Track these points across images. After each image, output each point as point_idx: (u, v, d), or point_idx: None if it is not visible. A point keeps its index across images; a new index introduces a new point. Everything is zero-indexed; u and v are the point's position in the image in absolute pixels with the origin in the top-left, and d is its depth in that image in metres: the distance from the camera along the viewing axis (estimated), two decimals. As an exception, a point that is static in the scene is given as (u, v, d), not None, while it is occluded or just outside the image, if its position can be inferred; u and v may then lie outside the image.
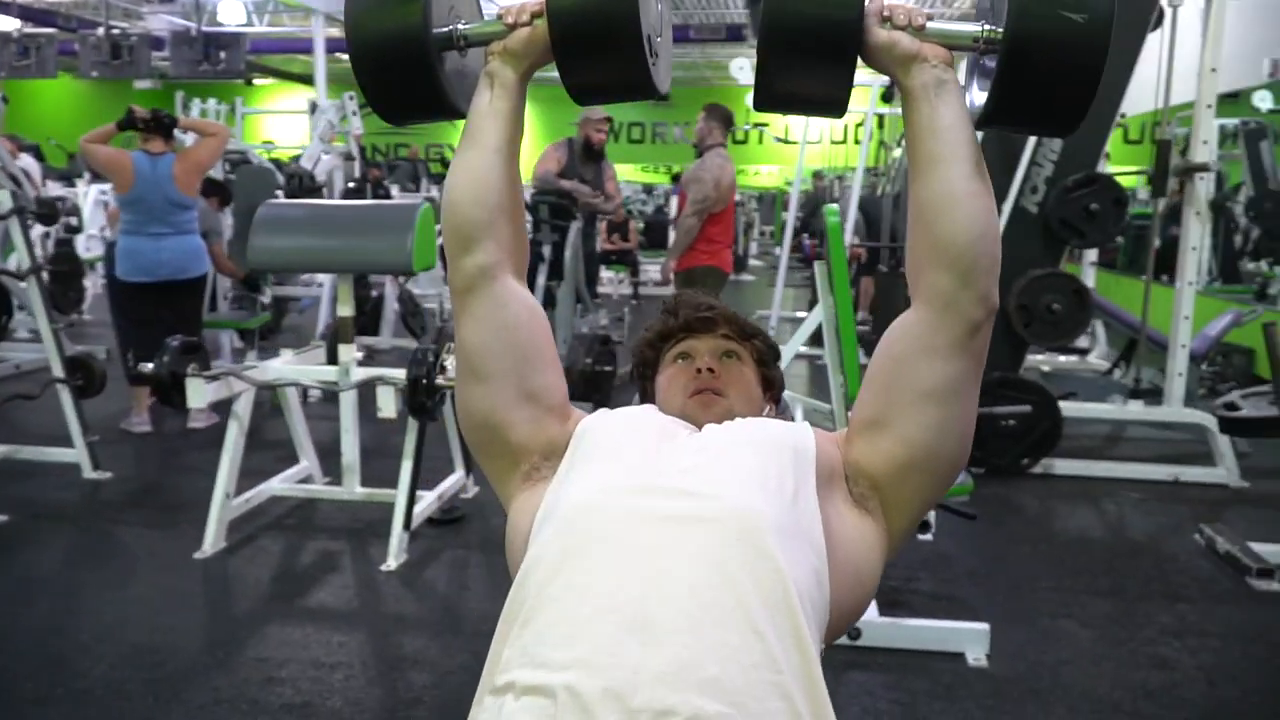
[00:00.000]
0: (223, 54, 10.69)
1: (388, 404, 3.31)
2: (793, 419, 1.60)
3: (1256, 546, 3.36)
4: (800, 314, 8.33)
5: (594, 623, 0.95)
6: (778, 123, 15.26)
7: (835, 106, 1.11)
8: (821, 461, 1.14)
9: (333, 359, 3.70)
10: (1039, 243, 4.36)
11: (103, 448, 4.24)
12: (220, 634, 2.83)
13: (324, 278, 6.17)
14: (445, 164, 20.49)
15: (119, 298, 4.76)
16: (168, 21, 13.90)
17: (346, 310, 3.57)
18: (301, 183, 5.81)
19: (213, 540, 3.35)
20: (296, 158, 6.91)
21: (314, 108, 7.27)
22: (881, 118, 8.44)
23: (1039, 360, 6.20)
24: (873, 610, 2.84)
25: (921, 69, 1.08)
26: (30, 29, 12.91)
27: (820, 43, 1.05)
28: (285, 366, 3.61)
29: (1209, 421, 4.32)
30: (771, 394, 1.40)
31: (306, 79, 16.40)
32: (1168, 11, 4.52)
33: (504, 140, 1.17)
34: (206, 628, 2.89)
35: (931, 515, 3.51)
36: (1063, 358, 6.32)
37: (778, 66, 1.07)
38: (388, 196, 10.19)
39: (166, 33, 11.72)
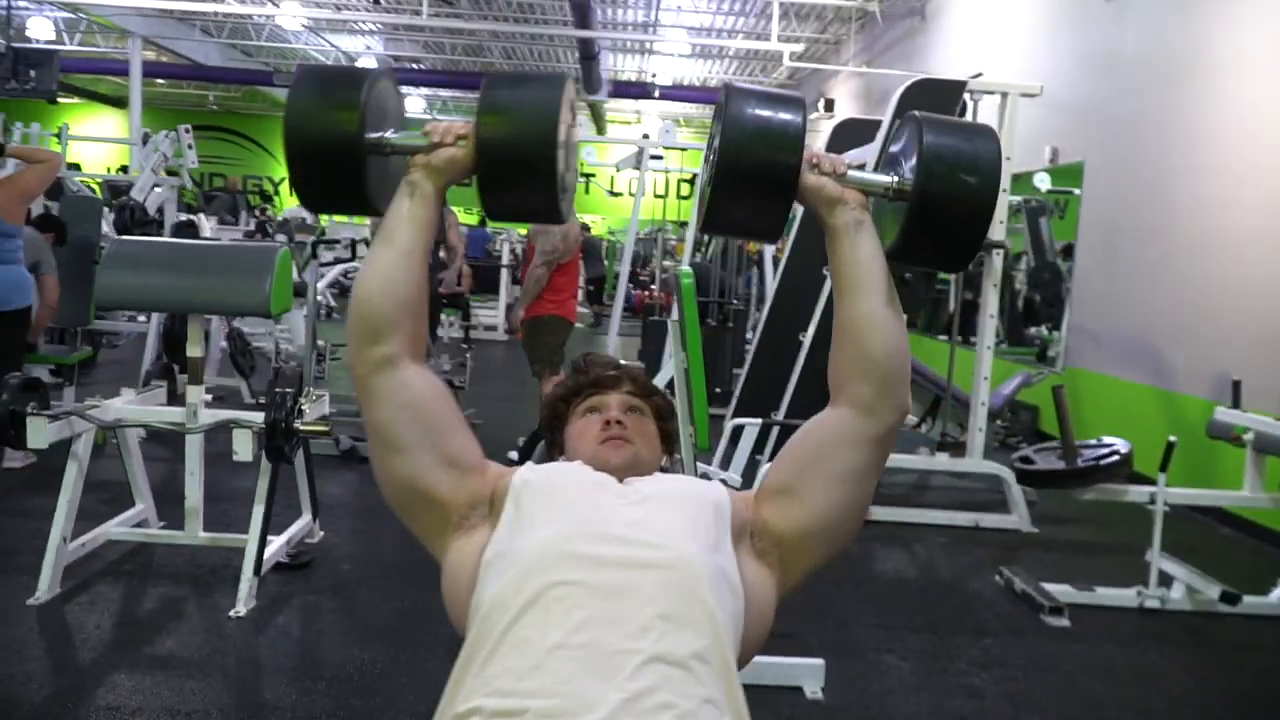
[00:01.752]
0: (33, 72, 10.11)
1: (244, 448, 3.28)
2: (681, 468, 1.77)
3: (1048, 586, 3.78)
4: (635, 363, 8.58)
5: (557, 658, 1.08)
6: (605, 175, 15.71)
7: (772, 235, 1.31)
8: (735, 519, 1.31)
9: (172, 399, 3.63)
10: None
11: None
12: (64, 683, 2.73)
13: (153, 319, 5.95)
14: (264, 195, 19.87)
15: None
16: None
17: (196, 350, 3.51)
18: (134, 215, 5.60)
19: (48, 586, 3.21)
20: (119, 185, 6.64)
21: (146, 138, 7.00)
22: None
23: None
24: (720, 647, 3.05)
25: (843, 210, 1.28)
26: None
27: (766, 183, 1.24)
28: (129, 407, 3.51)
29: (1006, 474, 4.80)
30: (667, 446, 1.58)
31: (116, 100, 15.63)
32: (969, 105, 5.07)
33: (417, 245, 1.31)
34: (49, 677, 2.77)
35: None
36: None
37: (726, 200, 1.25)
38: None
39: (-32, 45, 10.97)
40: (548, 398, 1.61)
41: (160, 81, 18.24)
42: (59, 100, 18.72)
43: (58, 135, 8.68)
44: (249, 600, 3.25)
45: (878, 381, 1.28)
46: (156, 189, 6.31)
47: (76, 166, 10.02)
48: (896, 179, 1.29)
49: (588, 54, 12.79)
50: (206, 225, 9.99)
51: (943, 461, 5.18)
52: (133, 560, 3.65)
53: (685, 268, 3.57)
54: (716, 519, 1.29)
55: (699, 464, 3.61)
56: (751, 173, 1.24)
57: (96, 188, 8.60)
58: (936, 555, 4.45)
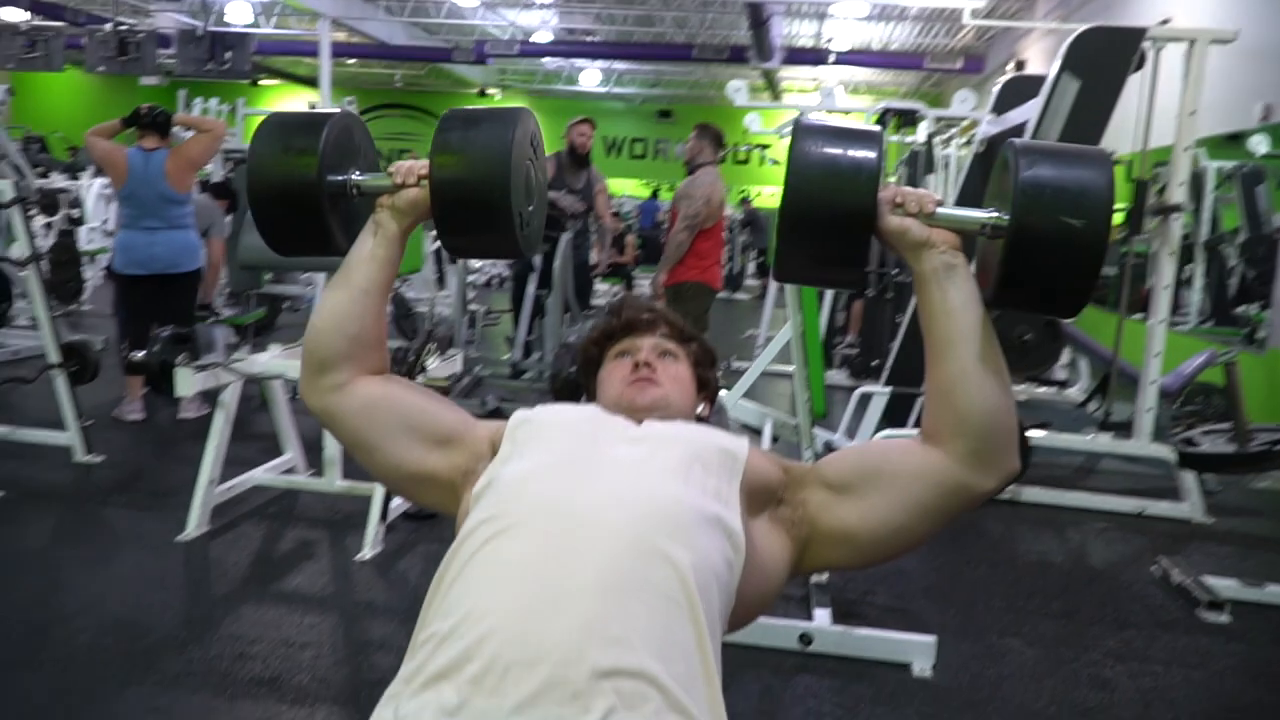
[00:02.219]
0: (229, 54, 10.80)
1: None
2: (727, 420, 1.71)
3: (1211, 580, 3.47)
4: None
5: (512, 587, 1.06)
6: (777, 147, 15.43)
7: (850, 283, 1.21)
8: (753, 470, 1.25)
9: None
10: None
11: (96, 433, 4.34)
12: (197, 612, 2.93)
13: (319, 277, 6.28)
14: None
15: (118, 289, 4.88)
16: (174, 19, 14.04)
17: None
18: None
19: (195, 524, 3.46)
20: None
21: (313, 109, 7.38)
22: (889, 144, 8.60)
23: (1016, 390, 6.32)
24: (825, 618, 2.96)
25: (930, 255, 1.18)
26: (38, 21, 13.05)
27: (837, 230, 1.14)
28: (272, 360, 3.72)
29: (1173, 457, 4.43)
30: (706, 394, 1.52)
31: (311, 81, 16.52)
32: (1150, 54, 4.66)
33: (376, 283, 1.31)
34: (184, 605, 2.99)
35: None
36: (1041, 389, 6.43)
37: (794, 248, 1.17)
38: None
39: (174, 30, 11.87)
40: (581, 342, 1.58)
41: (351, 61, 19.21)
42: (260, 82, 20.19)
43: (232, 110, 9.21)
44: (375, 545, 3.39)
45: (975, 440, 1.17)
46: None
47: None
48: (995, 215, 1.16)
49: (758, 20, 12.56)
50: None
51: (1104, 443, 4.83)
52: (277, 504, 3.88)
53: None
54: (721, 466, 1.22)
55: (817, 430, 3.50)
56: (821, 219, 1.14)
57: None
58: (1090, 541, 4.16)
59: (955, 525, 4.00)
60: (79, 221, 8.09)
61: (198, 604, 3.02)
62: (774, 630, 2.88)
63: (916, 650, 2.83)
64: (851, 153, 1.15)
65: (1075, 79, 4.21)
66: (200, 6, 12.63)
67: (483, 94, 21.24)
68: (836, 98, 8.31)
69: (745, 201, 15.84)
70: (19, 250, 4.27)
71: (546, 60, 19.10)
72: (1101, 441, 4.83)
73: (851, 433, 4.43)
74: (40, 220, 8.65)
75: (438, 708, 1.00)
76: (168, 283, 4.75)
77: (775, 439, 3.46)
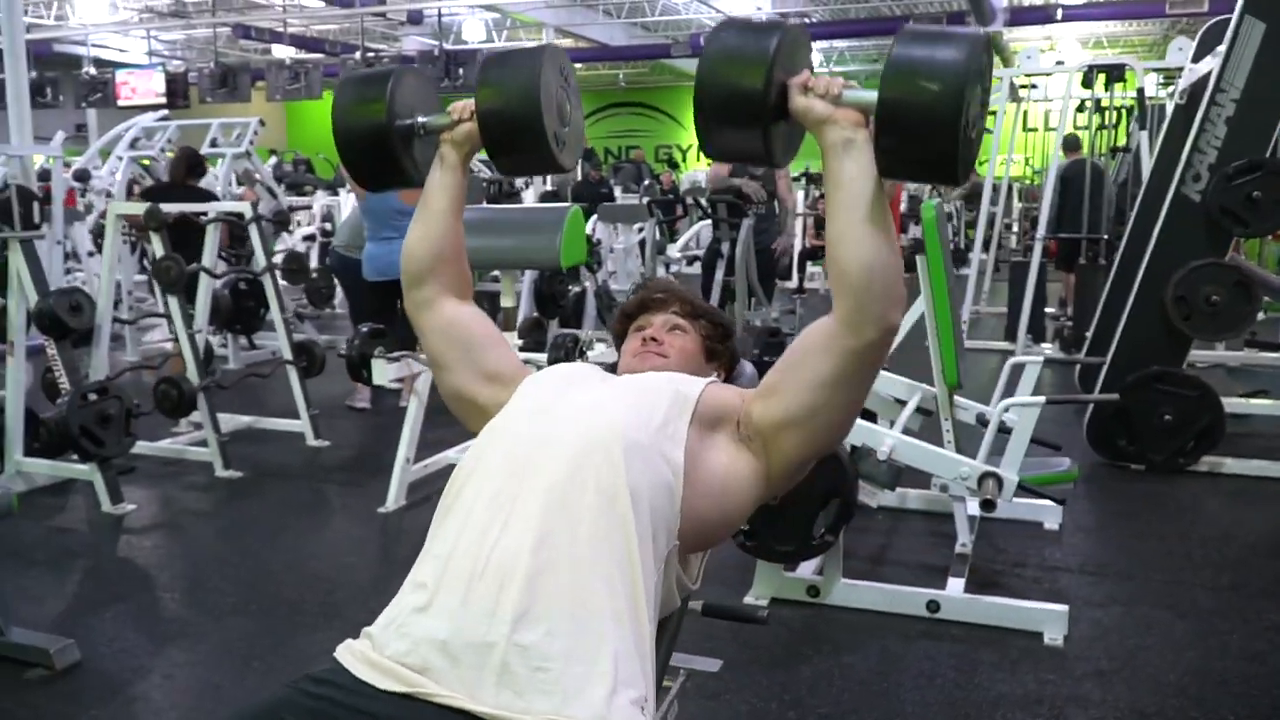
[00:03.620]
0: (460, 70, 11.67)
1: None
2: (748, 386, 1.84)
3: None
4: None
5: (473, 518, 1.28)
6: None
7: (765, 159, 1.35)
8: (707, 406, 1.41)
9: (538, 347, 4.15)
10: (1200, 232, 4.21)
11: (324, 420, 4.96)
12: (385, 571, 3.36)
13: (526, 277, 6.76)
14: (672, 164, 21.03)
15: (366, 294, 5.47)
16: (418, 42, 15.28)
17: (509, 301, 4.05)
18: (500, 188, 6.40)
19: (394, 498, 3.92)
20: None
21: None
22: (1097, 102, 8.04)
23: (1226, 355, 5.87)
24: (955, 586, 2.99)
25: (832, 129, 1.29)
26: (300, 55, 14.60)
27: (739, 108, 1.29)
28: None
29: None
30: (718, 363, 1.68)
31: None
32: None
33: (448, 206, 1.55)
34: (373, 566, 3.44)
35: (1060, 510, 3.58)
36: (1266, 354, 5.91)
37: (708, 128, 1.32)
38: (610, 196, 10.79)
39: (415, 53, 12.97)
40: (611, 320, 1.78)
41: (578, 66, 20.06)
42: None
43: None
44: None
45: (854, 296, 1.29)
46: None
47: None
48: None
49: (971, -17, 12.09)
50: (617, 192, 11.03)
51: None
52: (468, 481, 4.29)
53: (929, 200, 3.44)
54: (672, 404, 1.39)
55: (969, 402, 3.49)
56: (721, 99, 1.29)
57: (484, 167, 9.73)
58: (1291, 515, 3.87)
59: (1134, 500, 3.90)
60: (332, 234, 9.06)
61: (385, 565, 3.45)
62: (901, 596, 2.94)
63: (1048, 619, 2.81)
64: (752, 41, 1.30)
65: (1260, 21, 3.90)
66: (440, 28, 13.65)
67: (704, 85, 21.54)
68: (1042, 60, 7.91)
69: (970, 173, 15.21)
70: (259, 261, 4.95)
71: (765, 45, 19.10)
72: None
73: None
74: (301, 232, 9.79)
75: (412, 607, 1.26)
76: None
77: (923, 411, 3.47)
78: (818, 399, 1.35)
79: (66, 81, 12.56)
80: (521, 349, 4.04)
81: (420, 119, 1.56)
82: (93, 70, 13.06)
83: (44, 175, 6.95)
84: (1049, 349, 7.21)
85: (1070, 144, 7.69)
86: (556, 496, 1.26)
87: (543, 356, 3.87)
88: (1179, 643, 2.78)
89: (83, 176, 8.32)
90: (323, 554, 3.49)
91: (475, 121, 1.49)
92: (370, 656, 1.24)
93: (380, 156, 1.54)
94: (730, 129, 1.31)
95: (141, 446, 4.49)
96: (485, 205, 6.26)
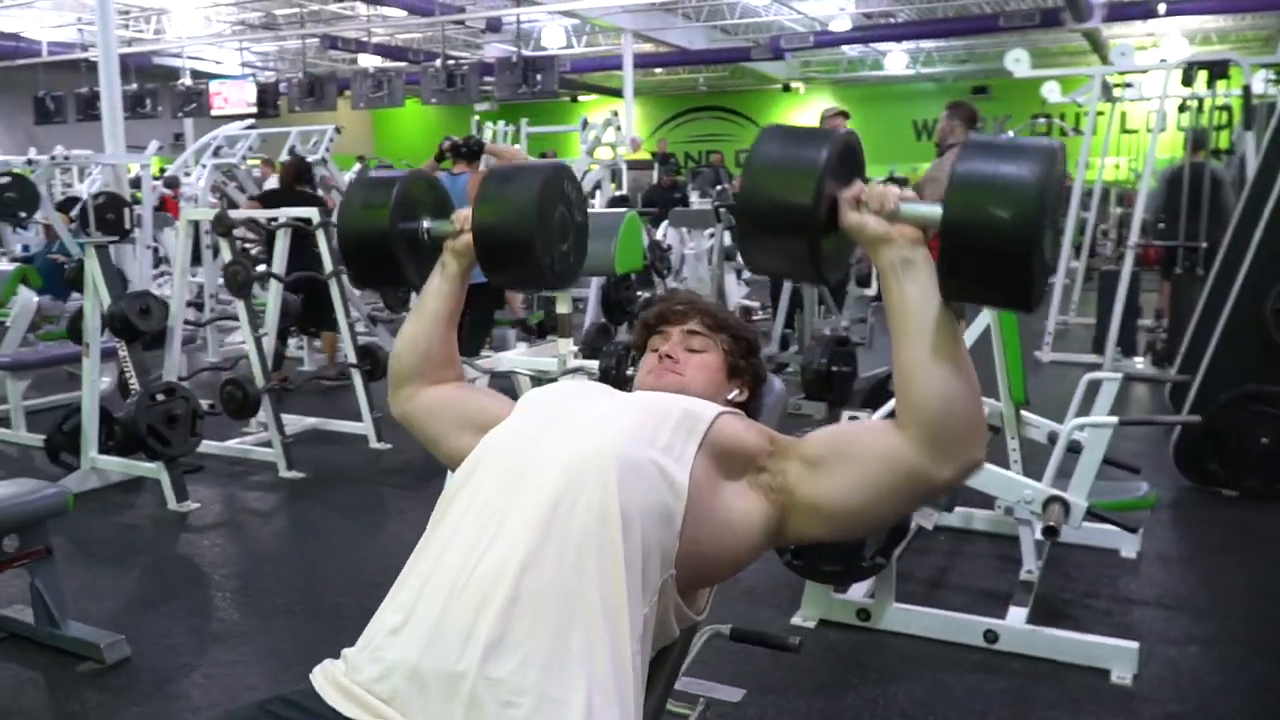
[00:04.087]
0: (539, 76, 11.73)
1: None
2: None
3: None
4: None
5: (460, 532, 1.23)
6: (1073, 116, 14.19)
7: (813, 277, 1.25)
8: (722, 437, 1.33)
9: (589, 354, 4.12)
10: (1304, 243, 3.96)
11: (388, 423, 4.99)
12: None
13: (594, 283, 6.73)
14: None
15: None
16: (500, 50, 15.43)
17: (564, 308, 3.99)
18: (569, 193, 6.38)
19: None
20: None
21: (585, 124, 7.90)
22: (1199, 101, 7.66)
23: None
24: (1017, 615, 2.84)
25: (889, 249, 1.19)
26: (384, 64, 14.88)
27: (780, 223, 1.20)
28: (515, 357, 4.11)
29: None
30: (741, 379, 1.59)
31: (621, 93, 17.47)
32: None
33: (444, 313, 1.54)
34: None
35: (1138, 538, 3.40)
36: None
37: (750, 240, 1.24)
38: (684, 201, 10.70)
39: (494, 60, 13.09)
40: (632, 332, 1.70)
41: (658, 70, 20.06)
42: (579, 98, 21.59)
43: (516, 129, 9.91)
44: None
45: (928, 436, 1.20)
46: (592, 169, 7.11)
47: (543, 155, 11.44)
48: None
49: (1064, -20, 11.71)
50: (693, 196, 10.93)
51: None
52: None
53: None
54: (680, 424, 1.31)
55: (1039, 419, 3.33)
56: (766, 213, 1.20)
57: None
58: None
59: (1225, 529, 3.68)
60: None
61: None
62: (957, 624, 2.81)
63: (1116, 655, 2.64)
64: (802, 151, 1.20)
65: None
66: (519, 35, 13.77)
67: (786, 89, 21.32)
68: (1139, 58, 7.58)
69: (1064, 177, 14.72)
70: (328, 267, 5.01)
71: (849, 48, 18.85)
72: None
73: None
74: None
75: (388, 627, 1.21)
76: (474, 291, 5.35)
77: (990, 428, 3.32)
78: (864, 504, 1.27)
79: (165, 93, 13.00)
80: (578, 355, 4.01)
81: (426, 224, 1.56)
82: (188, 81, 13.52)
83: (138, 183, 7.19)
84: (1140, 363, 6.90)
85: (1197, 142, 7.27)
86: (545, 515, 1.20)
87: (552, 360, 3.82)
88: (1259, 686, 2.59)
89: (173, 183, 8.58)
90: (375, 558, 3.50)
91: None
92: (341, 681, 1.20)
93: (378, 259, 1.54)
94: (774, 244, 1.22)
95: (211, 446, 4.59)
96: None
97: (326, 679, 1.22)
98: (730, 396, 1.58)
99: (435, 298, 1.54)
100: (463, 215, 1.51)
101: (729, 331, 1.61)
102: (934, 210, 1.16)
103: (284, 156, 8.03)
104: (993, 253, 1.09)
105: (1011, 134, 12.81)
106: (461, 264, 1.53)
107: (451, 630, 1.15)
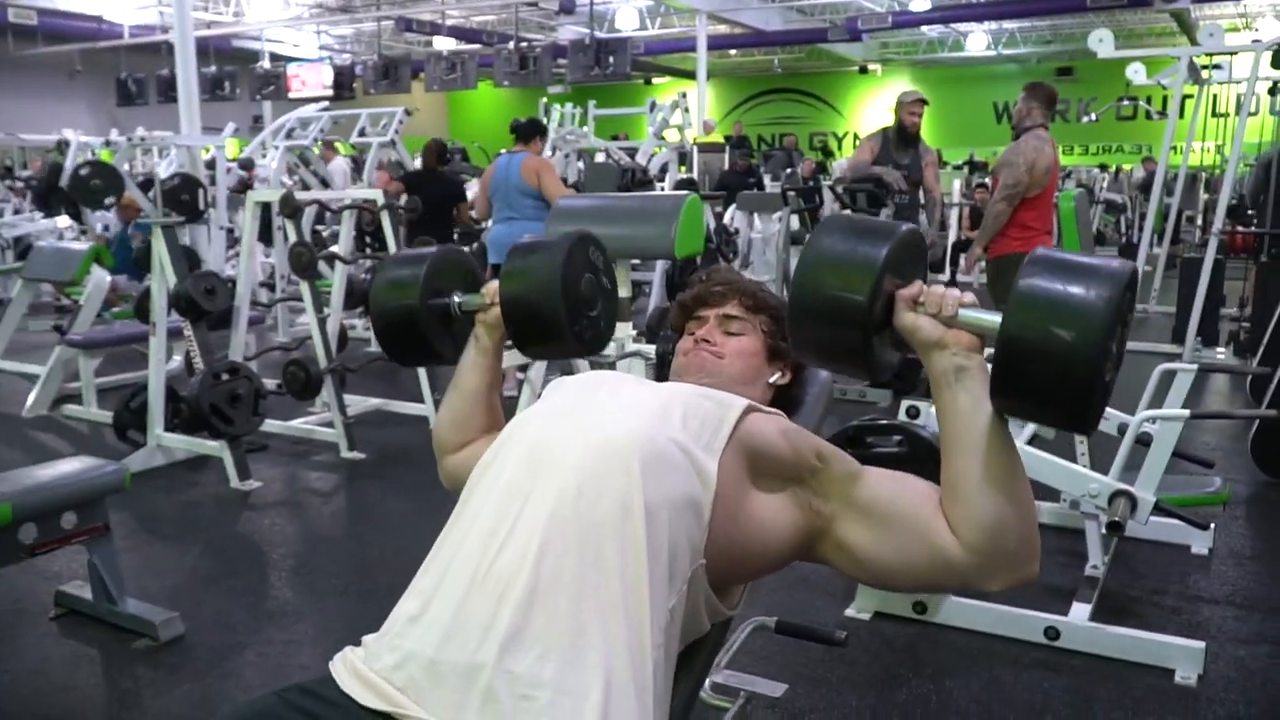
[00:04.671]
0: (611, 58, 11.68)
1: (638, 373, 3.67)
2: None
3: None
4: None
5: (480, 520, 1.20)
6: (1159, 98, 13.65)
7: (863, 373, 1.19)
8: (751, 433, 1.27)
9: (651, 338, 4.10)
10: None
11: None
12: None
13: (658, 266, 6.69)
14: (825, 151, 20.53)
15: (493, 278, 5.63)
16: (574, 32, 15.43)
17: (624, 291, 3.96)
18: (634, 176, 6.35)
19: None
20: (629, 150, 7.52)
21: (653, 106, 7.83)
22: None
23: None
24: (1080, 612, 2.74)
25: (942, 355, 1.13)
26: (458, 46, 14.98)
27: (833, 317, 1.14)
28: (572, 340, 4.10)
29: None
30: (783, 363, 1.54)
31: (694, 75, 17.35)
32: None
33: (481, 387, 1.52)
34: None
35: (1210, 534, 3.26)
36: None
37: (799, 329, 1.18)
38: (759, 185, 10.56)
39: (568, 42, 13.09)
40: (670, 315, 1.65)
41: (732, 52, 19.87)
42: (653, 80, 21.50)
43: (584, 111, 9.86)
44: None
45: (977, 550, 1.14)
46: (659, 151, 7.04)
47: (616, 137, 11.33)
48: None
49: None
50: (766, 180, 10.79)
51: None
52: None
53: (1070, 189, 3.15)
54: (709, 415, 1.26)
55: (1115, 412, 3.20)
56: (820, 305, 1.15)
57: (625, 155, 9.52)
58: None
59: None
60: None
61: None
62: (1017, 620, 2.72)
63: (1181, 655, 2.54)
64: (862, 247, 1.14)
65: None
66: (594, 17, 13.74)
67: (863, 71, 20.96)
68: (1228, 39, 7.24)
69: (1148, 161, 14.24)
70: (392, 249, 5.06)
71: (929, 29, 18.43)
72: None
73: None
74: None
75: (407, 615, 1.20)
76: None
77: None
78: (896, 572, 1.22)
79: (243, 75, 13.28)
80: (638, 339, 3.97)
81: (457, 298, 1.54)
82: (267, 64, 13.78)
83: (214, 164, 7.35)
84: (1221, 354, 6.63)
85: None
86: (568, 503, 1.16)
87: (652, 349, 3.79)
88: (1336, 693, 2.46)
89: (248, 165, 8.76)
90: (431, 541, 3.46)
91: None
92: (359, 669, 1.19)
93: (411, 335, 1.53)
94: (825, 335, 1.16)
95: (275, 425, 4.68)
96: (603, 194, 6.23)
97: (345, 667, 1.21)
98: (772, 380, 1.53)
99: (472, 373, 1.52)
100: (493, 289, 1.49)
101: (769, 312, 1.54)
102: (994, 320, 1.09)
103: (354, 138, 8.13)
104: (1051, 375, 1.03)
105: (1095, 116, 12.41)
106: (494, 337, 1.51)
107: (470, 621, 1.12)
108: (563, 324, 1.44)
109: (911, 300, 1.15)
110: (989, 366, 1.10)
